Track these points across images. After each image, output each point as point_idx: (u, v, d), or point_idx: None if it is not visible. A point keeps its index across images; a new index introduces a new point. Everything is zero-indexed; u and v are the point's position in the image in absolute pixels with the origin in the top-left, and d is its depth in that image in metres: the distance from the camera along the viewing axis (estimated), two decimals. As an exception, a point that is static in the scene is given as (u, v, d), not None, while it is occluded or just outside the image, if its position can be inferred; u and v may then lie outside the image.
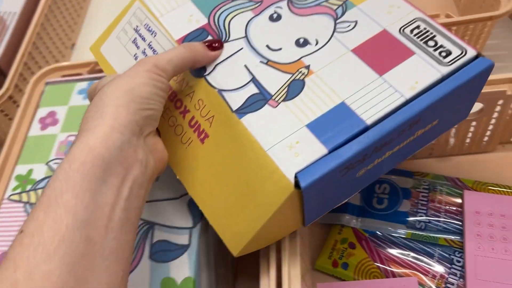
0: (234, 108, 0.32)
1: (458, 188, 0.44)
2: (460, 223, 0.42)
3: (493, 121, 0.43)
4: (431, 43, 0.32)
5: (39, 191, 0.40)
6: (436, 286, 0.40)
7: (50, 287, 0.22)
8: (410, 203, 0.44)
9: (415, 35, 0.33)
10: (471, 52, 0.31)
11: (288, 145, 0.30)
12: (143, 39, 0.38)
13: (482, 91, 0.39)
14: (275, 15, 0.36)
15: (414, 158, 0.48)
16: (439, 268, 0.40)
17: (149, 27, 0.38)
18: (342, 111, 0.30)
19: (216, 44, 0.34)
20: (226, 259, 0.43)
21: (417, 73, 0.31)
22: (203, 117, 0.33)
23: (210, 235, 0.38)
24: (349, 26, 0.34)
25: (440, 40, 0.32)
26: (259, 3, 0.37)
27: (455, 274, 0.40)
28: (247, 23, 0.36)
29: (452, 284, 0.39)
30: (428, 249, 0.42)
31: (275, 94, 0.32)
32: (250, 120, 0.31)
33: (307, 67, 0.33)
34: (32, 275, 0.22)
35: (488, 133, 0.45)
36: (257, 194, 0.30)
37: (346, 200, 0.35)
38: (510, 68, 0.54)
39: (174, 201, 0.38)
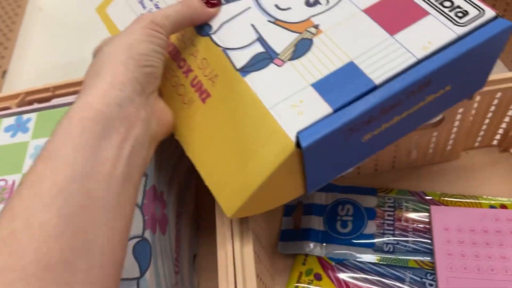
0: (238, 67, 0.31)
1: (425, 203, 0.42)
2: (430, 241, 0.40)
3: (454, 129, 0.41)
4: (447, 3, 0.30)
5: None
6: (409, 315, 0.37)
7: (47, 235, 0.21)
8: (375, 224, 0.41)
9: None
10: (489, 13, 0.29)
11: (292, 104, 0.28)
12: None
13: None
14: None
15: (376, 171, 0.45)
16: (411, 294, 0.38)
17: None
18: (350, 71, 0.29)
19: (214, 1, 0.33)
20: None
21: (431, 34, 0.29)
22: (206, 76, 0.32)
23: (163, 279, 0.34)
24: None
25: (457, 0, 0.30)
26: None
27: (429, 299, 0.37)
28: None
29: (426, 310, 0.37)
30: (399, 274, 0.39)
31: (281, 53, 0.31)
32: (254, 79, 0.30)
33: (316, 26, 0.31)
34: (29, 224, 0.21)
35: (450, 142, 0.42)
36: (257, 153, 0.29)
37: (351, 169, 0.34)
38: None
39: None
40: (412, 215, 0.41)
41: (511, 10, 0.48)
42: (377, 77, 0.28)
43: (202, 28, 0.33)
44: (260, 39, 0.32)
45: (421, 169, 0.45)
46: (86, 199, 0.23)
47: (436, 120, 0.40)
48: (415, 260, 0.39)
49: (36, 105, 0.44)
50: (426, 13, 0.30)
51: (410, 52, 0.29)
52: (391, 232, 0.41)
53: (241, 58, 0.31)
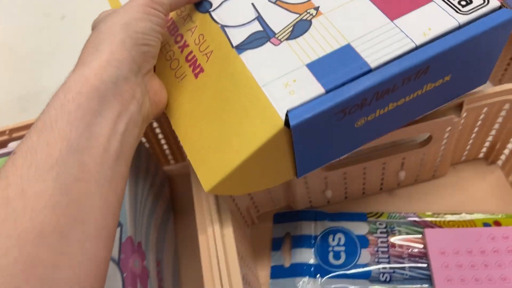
0: (235, 44, 0.31)
1: (418, 226, 0.40)
2: (426, 265, 0.38)
3: (442, 148, 0.39)
4: None
5: None
6: None
7: (42, 204, 0.21)
8: (369, 253, 0.39)
9: None
10: (494, 2, 0.29)
11: (285, 82, 0.28)
12: None
13: (429, 120, 0.36)
14: None
15: (364, 194, 0.43)
16: (413, 326, 0.36)
17: None
18: (346, 53, 0.28)
19: None
20: None
21: (432, 20, 0.29)
22: (201, 52, 0.32)
23: None
24: None
25: None
26: None
27: (432, 331, 0.35)
28: None
29: None
30: (398, 304, 0.37)
31: (279, 32, 0.31)
32: (249, 56, 0.30)
33: (316, 8, 0.31)
34: (24, 192, 0.21)
35: (438, 159, 0.41)
36: (243, 129, 0.28)
37: (345, 155, 0.33)
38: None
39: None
40: (406, 240, 0.40)
41: None
42: (373, 61, 0.28)
43: (201, 4, 0.33)
44: (259, 18, 0.32)
45: (410, 189, 0.44)
46: (81, 172, 0.23)
47: (423, 139, 0.39)
48: (413, 289, 0.37)
49: (-9, 152, 0.40)
50: (429, 0, 0.30)
51: (408, 37, 0.28)
52: (386, 260, 0.39)
53: (238, 36, 0.31)
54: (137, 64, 0.28)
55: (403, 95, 0.29)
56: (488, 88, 0.36)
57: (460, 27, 0.28)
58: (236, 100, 0.29)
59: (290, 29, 0.30)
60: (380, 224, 0.41)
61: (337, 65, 0.28)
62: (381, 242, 0.40)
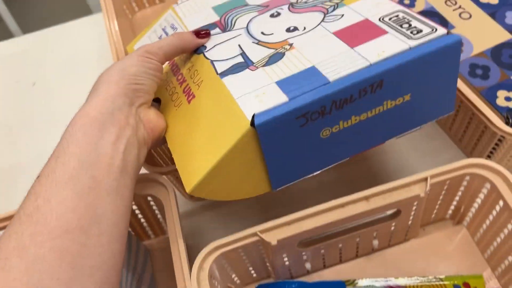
0: (219, 71, 0.37)
1: (393, 293, 0.42)
2: (404, 332, 0.40)
3: (411, 217, 0.42)
4: (405, 25, 0.35)
5: None
6: None
7: (65, 209, 0.28)
8: (349, 323, 0.41)
9: (393, 21, 0.36)
10: (441, 31, 0.33)
11: (256, 95, 0.33)
12: (167, 34, 0.45)
13: (399, 198, 0.38)
14: (275, 13, 0.42)
15: (341, 261, 0.45)
16: None
17: (173, 25, 0.46)
18: (310, 73, 0.33)
19: (203, 32, 0.41)
20: None
21: (386, 45, 0.33)
22: (194, 83, 0.38)
23: None
24: (336, 17, 0.38)
25: (415, 23, 0.35)
26: (265, 7, 0.43)
27: None
28: (250, 19, 0.42)
29: None
30: None
31: (257, 61, 0.36)
32: (230, 79, 0.36)
33: (290, 44, 0.37)
34: (49, 200, 0.28)
35: (408, 226, 0.43)
36: (220, 134, 0.33)
37: (317, 172, 0.36)
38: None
39: None
40: (383, 308, 0.41)
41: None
42: (332, 76, 0.32)
43: (198, 48, 0.40)
44: (243, 54, 0.38)
45: (384, 253, 0.46)
46: (93, 182, 0.29)
47: (391, 212, 0.41)
48: None
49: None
50: (385, 32, 0.35)
51: (365, 58, 0.33)
52: (366, 330, 0.40)
53: (223, 66, 0.37)
54: (130, 98, 0.34)
55: (363, 108, 0.33)
56: (453, 163, 0.39)
57: (410, 49, 0.33)
58: (217, 113, 0.35)
59: (266, 59, 0.36)
60: (357, 292, 0.42)
61: (301, 81, 0.33)
62: (360, 311, 0.41)
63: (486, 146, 0.47)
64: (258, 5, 0.44)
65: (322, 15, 0.39)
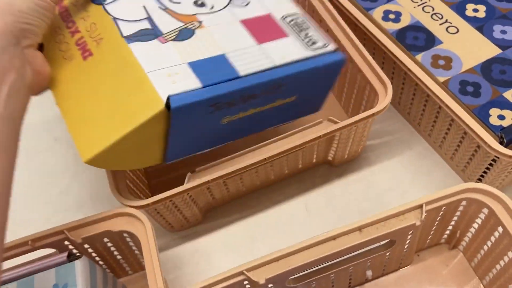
0: (125, 34, 0.35)
1: (390, 327, 0.39)
2: None
3: (406, 246, 0.39)
4: (303, 33, 0.39)
5: None
6: None
7: None
8: None
9: (293, 24, 0.40)
10: (331, 46, 0.39)
11: (168, 73, 0.33)
12: None
13: (394, 228, 0.35)
14: None
15: (333, 292, 0.42)
16: None
17: None
18: (221, 61, 0.35)
19: None
20: None
21: (288, 50, 0.38)
22: (91, 38, 0.36)
23: None
24: (242, 3, 0.41)
25: (311, 32, 0.39)
26: None
27: None
28: None
29: None
30: None
31: (166, 33, 0.36)
32: (137, 48, 0.34)
33: (200, 22, 0.38)
34: None
35: (403, 254, 0.41)
36: (127, 108, 0.32)
37: (207, 150, 0.40)
38: (397, 148, 0.53)
39: None
40: None
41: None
42: (242, 70, 0.35)
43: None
44: (149, 19, 0.37)
45: (378, 284, 0.43)
46: None
47: (386, 241, 0.39)
48: None
49: None
50: (286, 35, 0.39)
51: (271, 58, 0.37)
52: None
53: (128, 28, 0.36)
54: (16, 38, 0.31)
55: (261, 103, 0.37)
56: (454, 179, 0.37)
57: (305, 59, 0.38)
58: (123, 83, 0.34)
59: (176, 32, 0.37)
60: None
61: (213, 68, 0.35)
62: None
63: (479, 165, 0.45)
64: None
65: None
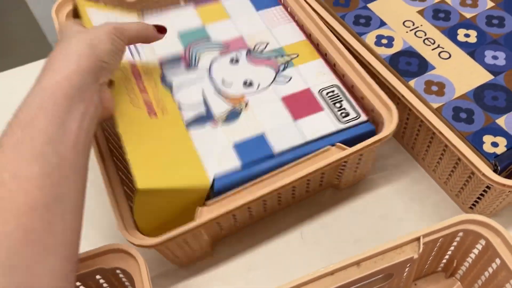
0: (186, 120, 0.44)
1: None
2: None
3: (404, 276, 0.39)
4: (337, 105, 0.45)
5: None
6: None
7: (32, 187, 0.28)
8: None
9: (329, 97, 0.46)
10: (363, 117, 0.44)
11: (215, 155, 0.41)
12: None
13: (393, 262, 0.35)
14: (234, 59, 0.49)
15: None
16: None
17: None
18: (260, 140, 0.43)
19: (162, 28, 0.43)
20: None
21: (320, 124, 0.44)
22: (158, 106, 0.43)
23: None
24: (285, 79, 0.47)
25: (345, 104, 0.45)
26: (226, 47, 0.50)
27: None
28: (212, 60, 0.49)
29: None
30: None
31: (218, 116, 0.44)
32: (194, 132, 0.43)
33: (246, 102, 0.45)
34: (17, 176, 0.28)
35: (401, 285, 0.40)
36: (182, 173, 0.40)
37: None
38: (392, 173, 0.52)
39: None
40: None
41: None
42: (277, 148, 0.42)
43: (165, 81, 0.46)
44: (205, 103, 0.45)
45: (375, 313, 0.43)
46: (59, 160, 0.30)
47: (384, 274, 0.38)
48: None
49: None
50: (321, 109, 0.45)
51: (303, 134, 0.43)
52: None
53: (189, 114, 0.44)
54: (97, 75, 0.35)
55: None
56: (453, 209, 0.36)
57: (337, 131, 0.43)
58: (179, 154, 0.41)
59: (226, 115, 0.44)
60: None
61: (252, 147, 0.42)
62: None
63: (474, 191, 0.45)
64: (219, 44, 0.51)
65: (274, 73, 0.48)
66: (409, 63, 0.49)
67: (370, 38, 0.51)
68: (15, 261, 0.26)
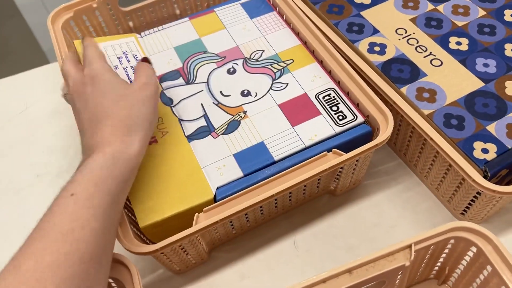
0: (187, 134, 0.45)
1: None
2: None
3: (396, 283, 0.39)
4: (334, 108, 0.46)
5: None
6: None
7: (93, 239, 0.32)
8: None
9: (325, 100, 0.47)
10: (360, 119, 0.45)
11: (217, 167, 0.43)
12: (128, 60, 0.50)
13: (384, 270, 0.35)
14: (231, 69, 0.50)
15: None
16: None
17: (136, 56, 0.51)
18: (260, 148, 0.44)
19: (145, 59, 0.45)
20: None
21: (318, 129, 0.45)
22: (158, 129, 0.45)
23: None
24: (281, 86, 0.48)
25: (341, 107, 0.46)
26: (222, 58, 0.51)
27: None
28: (210, 72, 0.50)
29: None
30: None
31: (217, 128, 0.46)
32: (195, 145, 0.45)
33: (245, 112, 0.47)
34: (83, 228, 0.32)
35: (392, 292, 0.41)
36: (183, 192, 0.41)
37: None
38: (384, 179, 0.53)
39: None
40: None
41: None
42: (277, 155, 0.43)
43: (165, 99, 0.48)
44: (205, 116, 0.47)
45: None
46: (116, 216, 0.35)
47: (376, 282, 0.38)
48: None
49: None
50: (319, 113, 0.46)
51: (301, 140, 0.44)
52: None
53: (189, 128, 0.46)
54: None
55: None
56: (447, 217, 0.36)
57: (335, 134, 0.44)
58: (182, 172, 0.42)
59: (226, 126, 0.46)
60: None
61: (253, 156, 0.43)
62: None
63: (465, 197, 0.45)
64: (216, 55, 0.52)
65: (270, 81, 0.49)
66: (401, 70, 0.49)
67: (363, 46, 0.52)
68: None
